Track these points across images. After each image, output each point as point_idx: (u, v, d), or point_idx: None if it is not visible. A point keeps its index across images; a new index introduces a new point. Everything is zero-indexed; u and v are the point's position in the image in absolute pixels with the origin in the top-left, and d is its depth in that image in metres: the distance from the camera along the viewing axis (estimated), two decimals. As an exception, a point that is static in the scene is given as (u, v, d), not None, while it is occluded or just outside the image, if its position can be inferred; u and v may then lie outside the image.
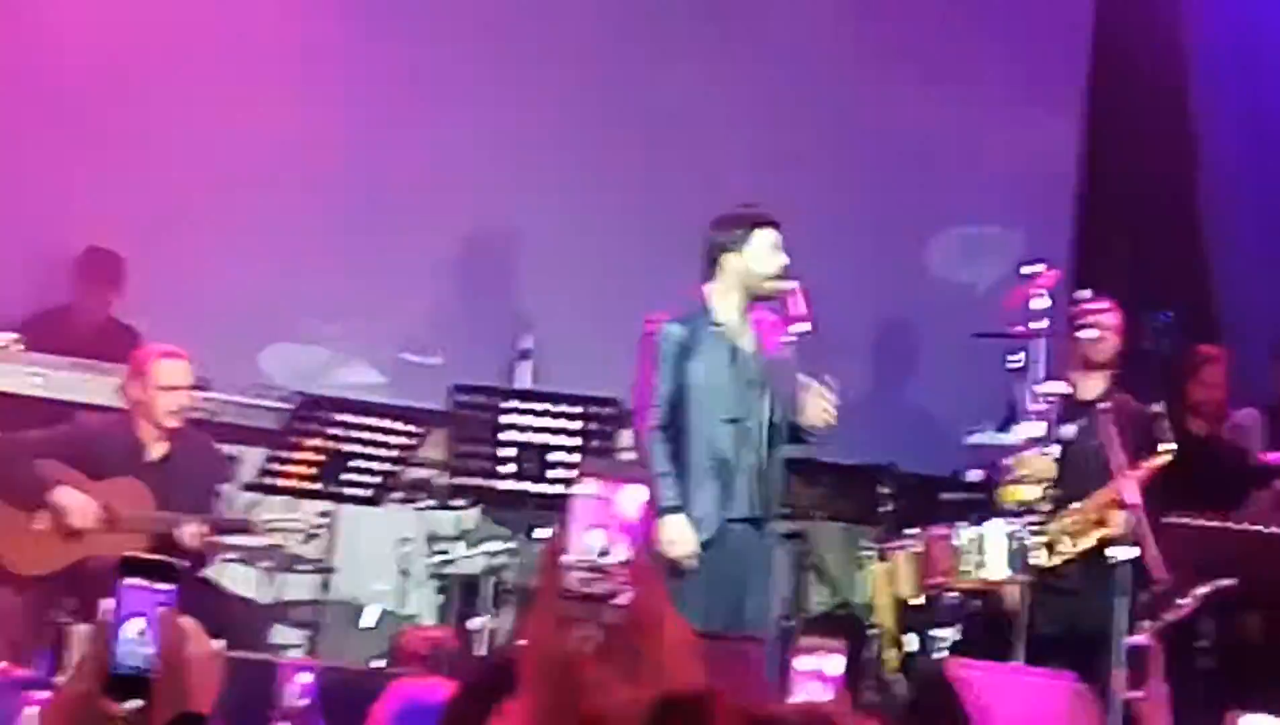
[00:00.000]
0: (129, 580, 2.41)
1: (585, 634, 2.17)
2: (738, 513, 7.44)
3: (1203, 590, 8.33)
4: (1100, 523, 8.09)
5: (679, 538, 7.28)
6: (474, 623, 8.00)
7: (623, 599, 2.16)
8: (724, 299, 7.57)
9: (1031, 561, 7.93)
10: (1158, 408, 8.65)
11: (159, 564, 2.43)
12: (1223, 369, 9.10)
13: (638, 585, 2.17)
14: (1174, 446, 8.17)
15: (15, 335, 7.73)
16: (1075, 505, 8.09)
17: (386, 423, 7.81)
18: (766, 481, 7.45)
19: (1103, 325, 8.44)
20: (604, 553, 2.16)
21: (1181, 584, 8.32)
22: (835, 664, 7.06)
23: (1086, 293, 8.52)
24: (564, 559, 2.18)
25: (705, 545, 7.36)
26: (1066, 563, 8.08)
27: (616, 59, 9.80)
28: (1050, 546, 8.10)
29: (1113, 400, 8.30)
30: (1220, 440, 9.02)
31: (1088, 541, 8.07)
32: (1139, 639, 5.36)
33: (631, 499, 2.23)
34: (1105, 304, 8.48)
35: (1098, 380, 8.44)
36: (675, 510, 7.31)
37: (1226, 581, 8.28)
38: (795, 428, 7.56)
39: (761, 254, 7.54)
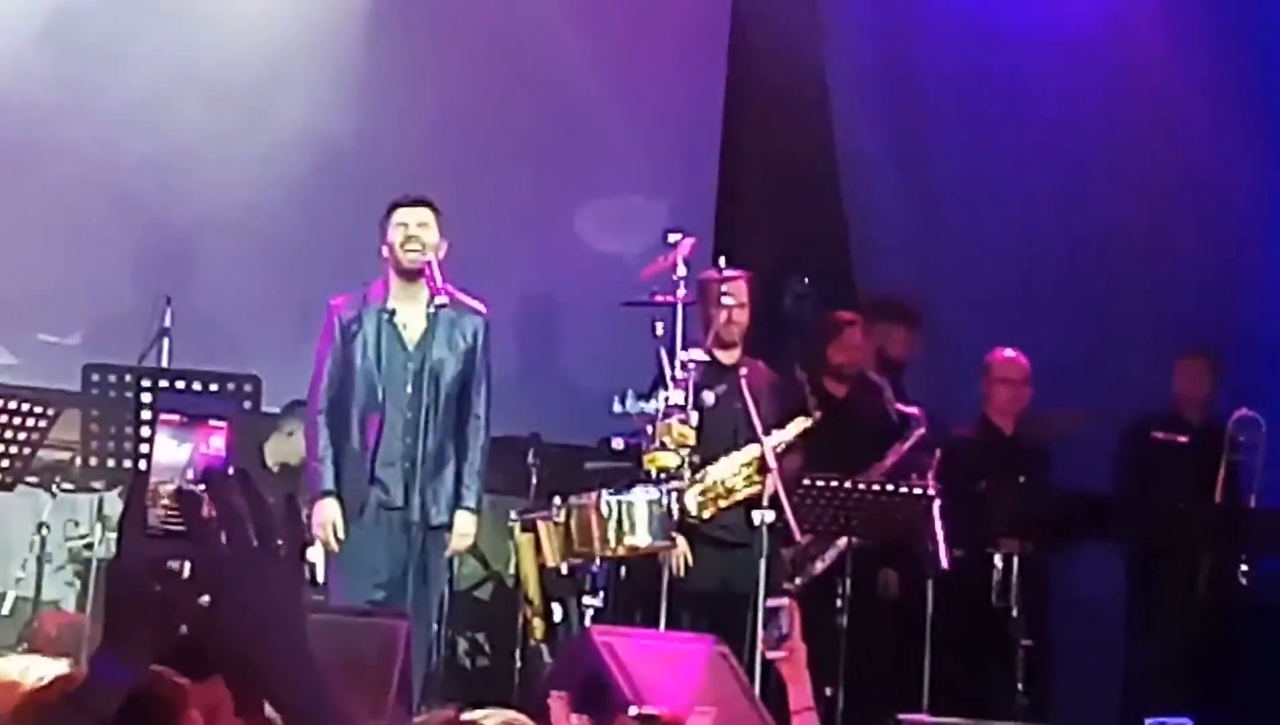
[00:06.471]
0: None
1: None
2: (390, 501, 7.51)
3: (838, 548, 8.56)
4: (749, 481, 8.27)
5: (327, 522, 7.44)
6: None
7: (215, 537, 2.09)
8: (393, 283, 7.65)
9: (690, 512, 8.12)
10: (800, 374, 8.87)
11: None
12: (860, 332, 9.28)
13: (224, 518, 2.10)
14: (812, 416, 8.38)
15: None
16: (723, 462, 8.23)
17: (16, 405, 7.59)
18: (426, 470, 7.51)
19: (734, 297, 8.57)
20: (196, 482, 2.12)
21: (820, 543, 8.55)
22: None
23: (722, 261, 8.65)
24: (151, 489, 2.11)
25: (354, 527, 7.44)
26: (722, 512, 8.23)
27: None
28: (705, 500, 8.25)
29: (747, 366, 8.48)
30: (859, 399, 9.18)
31: (738, 497, 8.24)
32: (779, 600, 5.48)
33: (213, 434, 2.20)
34: (736, 274, 8.61)
35: (732, 350, 8.61)
36: (328, 495, 7.46)
37: (845, 541, 8.49)
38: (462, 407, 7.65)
39: (394, 234, 7.62)
